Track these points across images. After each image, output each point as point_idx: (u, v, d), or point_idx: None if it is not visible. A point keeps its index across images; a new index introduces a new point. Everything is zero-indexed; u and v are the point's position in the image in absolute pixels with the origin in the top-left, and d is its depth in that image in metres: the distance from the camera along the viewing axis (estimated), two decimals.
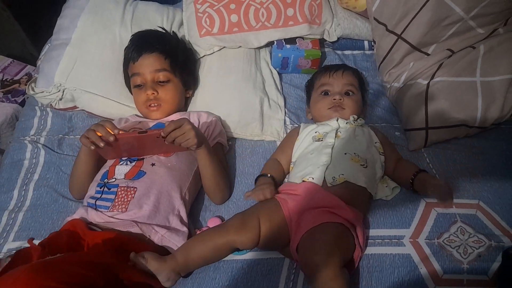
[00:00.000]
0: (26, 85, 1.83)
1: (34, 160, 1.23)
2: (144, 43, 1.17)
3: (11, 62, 1.88)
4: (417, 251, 0.99)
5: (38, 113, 1.35)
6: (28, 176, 1.19)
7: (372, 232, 1.04)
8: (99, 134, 0.94)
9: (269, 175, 1.09)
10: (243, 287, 0.96)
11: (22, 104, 1.71)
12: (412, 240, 1.01)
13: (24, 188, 1.17)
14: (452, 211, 1.06)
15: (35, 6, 1.91)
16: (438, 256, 0.98)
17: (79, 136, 1.27)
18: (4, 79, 1.81)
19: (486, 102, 1.16)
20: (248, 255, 1.00)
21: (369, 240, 1.02)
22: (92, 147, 0.94)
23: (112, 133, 0.94)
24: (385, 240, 1.02)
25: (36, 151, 1.24)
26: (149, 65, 1.14)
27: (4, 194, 1.15)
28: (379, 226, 1.04)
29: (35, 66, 1.72)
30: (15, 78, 1.83)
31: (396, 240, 1.01)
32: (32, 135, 1.29)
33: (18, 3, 1.85)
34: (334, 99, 1.17)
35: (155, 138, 0.96)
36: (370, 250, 1.00)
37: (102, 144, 0.94)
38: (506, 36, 1.22)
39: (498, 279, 0.93)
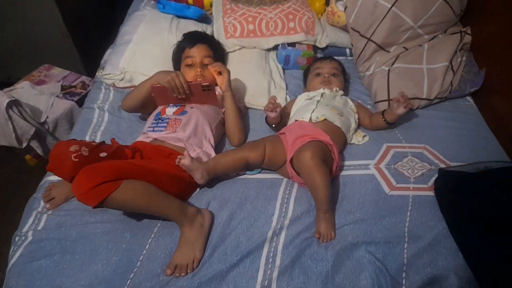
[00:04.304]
0: (80, 89, 2.33)
1: (100, 119, 1.64)
2: (198, 36, 1.66)
3: (69, 73, 2.37)
4: (379, 172, 1.35)
5: (103, 90, 1.79)
6: (96, 128, 1.60)
7: (347, 162, 1.40)
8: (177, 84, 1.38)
9: None
10: (253, 193, 1.31)
11: (78, 103, 2.15)
12: (375, 166, 1.39)
13: (94, 135, 1.58)
14: (404, 150, 1.44)
15: (91, 36, 2.45)
16: (393, 175, 1.34)
17: None
18: (63, 84, 2.29)
19: (430, 82, 1.59)
20: (257, 175, 1.38)
21: (344, 167, 1.39)
22: (167, 85, 1.37)
23: (185, 87, 1.39)
24: (356, 167, 1.39)
25: (101, 113, 1.66)
26: (200, 52, 1.58)
27: (78, 138, 1.56)
28: (352, 158, 1.42)
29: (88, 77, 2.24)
30: (72, 84, 2.31)
31: (364, 166, 1.39)
32: (99, 103, 1.72)
33: (77, 32, 2.39)
34: (325, 77, 1.62)
35: (200, 88, 1.41)
36: (344, 173, 1.37)
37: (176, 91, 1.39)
38: (443, 38, 1.69)
39: (435, 187, 1.29)
